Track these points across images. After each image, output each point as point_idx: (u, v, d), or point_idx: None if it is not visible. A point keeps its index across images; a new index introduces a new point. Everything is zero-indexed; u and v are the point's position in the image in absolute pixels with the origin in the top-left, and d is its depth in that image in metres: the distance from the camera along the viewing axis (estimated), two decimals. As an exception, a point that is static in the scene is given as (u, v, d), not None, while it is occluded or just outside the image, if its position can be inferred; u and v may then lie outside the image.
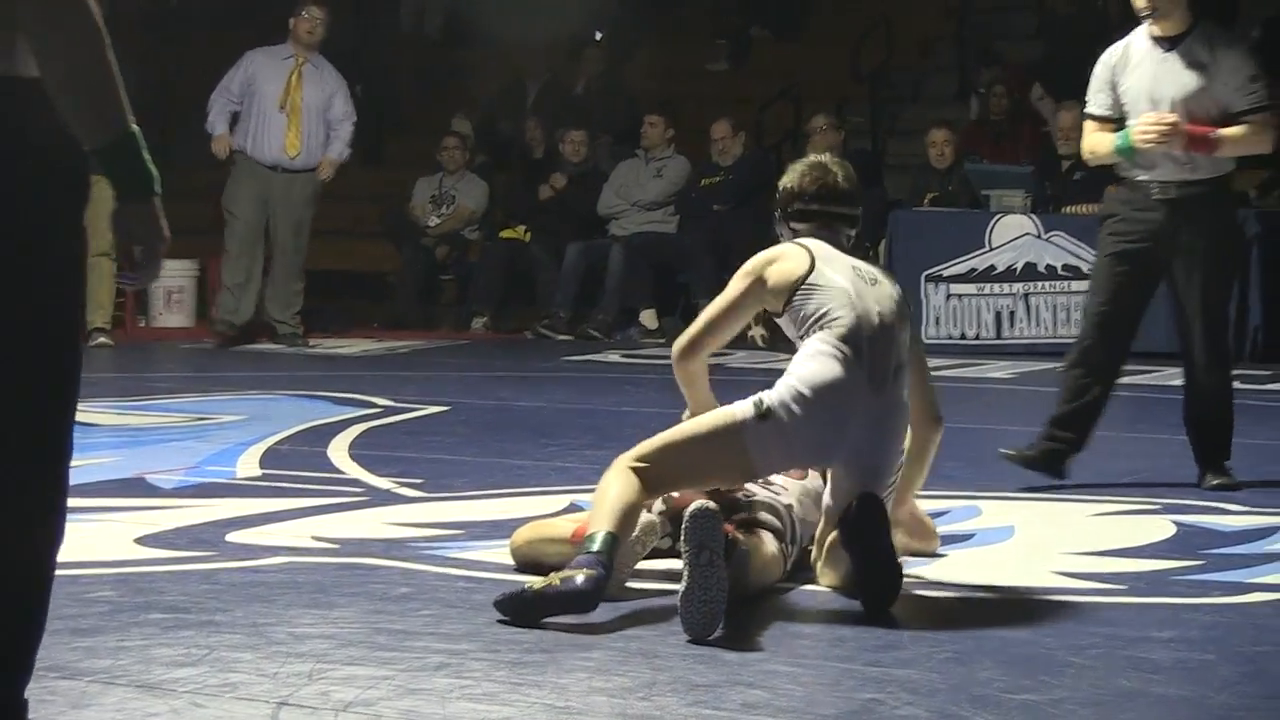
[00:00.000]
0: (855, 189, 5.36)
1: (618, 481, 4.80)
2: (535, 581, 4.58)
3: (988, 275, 11.88)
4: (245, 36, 12.51)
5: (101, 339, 12.31)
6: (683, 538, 4.42)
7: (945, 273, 11.91)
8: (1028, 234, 11.83)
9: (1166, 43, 6.80)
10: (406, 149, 16.36)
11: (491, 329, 13.75)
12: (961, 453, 7.13)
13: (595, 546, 4.58)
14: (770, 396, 4.95)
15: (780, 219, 5.40)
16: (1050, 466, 6.89)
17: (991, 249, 11.87)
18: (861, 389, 4.93)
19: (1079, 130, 11.68)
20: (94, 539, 5.48)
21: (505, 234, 14.07)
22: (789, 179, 5.37)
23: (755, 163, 13.67)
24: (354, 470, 7.13)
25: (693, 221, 13.32)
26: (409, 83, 17.60)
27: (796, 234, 5.31)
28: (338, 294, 12.90)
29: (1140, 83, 6.78)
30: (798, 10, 17.24)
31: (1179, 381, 7.22)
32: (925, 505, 5.60)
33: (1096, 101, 6.94)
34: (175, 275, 13.68)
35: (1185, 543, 5.80)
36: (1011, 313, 11.85)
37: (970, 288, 11.91)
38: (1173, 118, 6.64)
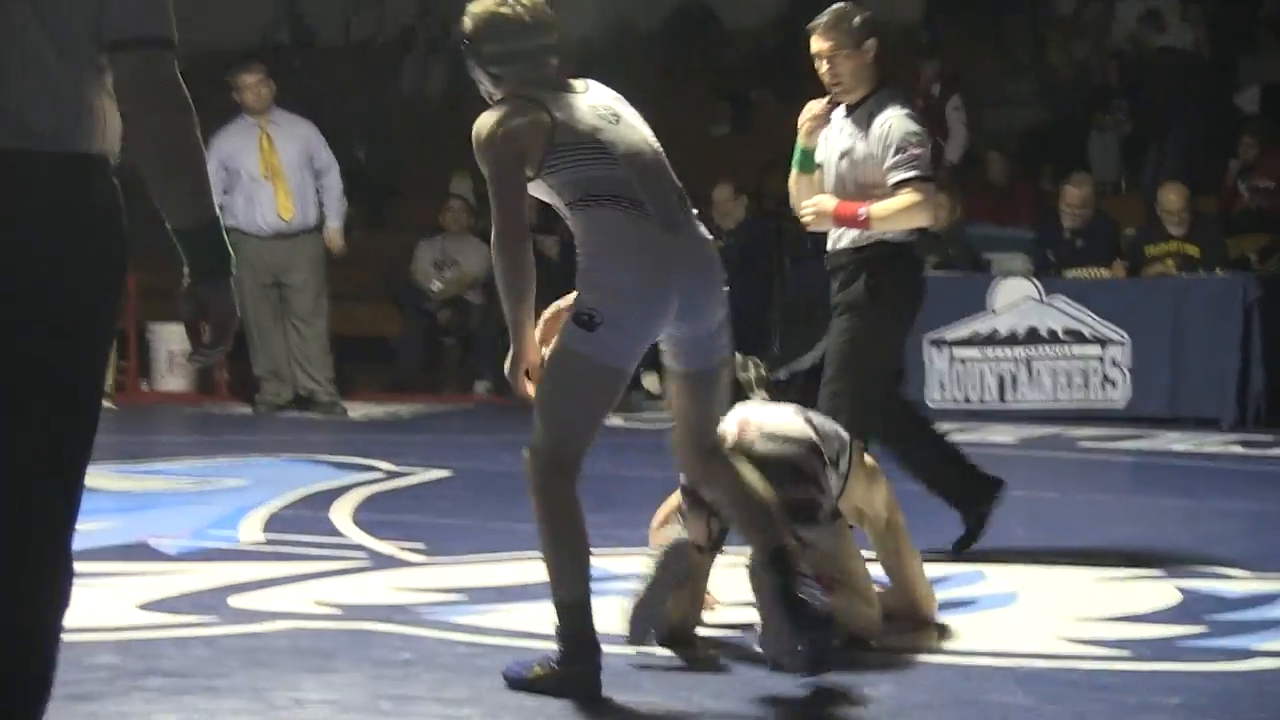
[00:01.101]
0: (542, 11, 4.93)
1: (559, 528, 4.65)
2: (538, 668, 4.57)
3: (990, 339, 11.87)
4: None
5: (104, 402, 12.29)
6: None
7: (948, 336, 11.91)
8: (1029, 298, 11.84)
9: (846, 110, 6.68)
10: (408, 212, 16.39)
11: (494, 393, 13.73)
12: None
13: (576, 631, 4.57)
14: (585, 300, 4.72)
15: (475, 66, 4.93)
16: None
17: (993, 313, 11.87)
18: (663, 239, 4.76)
19: (1084, 204, 11.72)
20: (96, 604, 5.47)
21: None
22: (469, 23, 4.91)
23: (757, 227, 13.69)
24: (357, 535, 7.13)
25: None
26: (411, 146, 17.66)
27: (497, 80, 4.89)
28: (340, 358, 12.89)
29: (826, 150, 6.67)
30: (800, 73, 17.28)
31: (1180, 446, 7.21)
32: (925, 569, 5.58)
33: (819, 153, 6.77)
34: (177, 339, 13.67)
35: (1189, 608, 5.78)
36: (1014, 377, 11.85)
37: (973, 351, 11.90)
38: (813, 205, 6.48)
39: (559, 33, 4.97)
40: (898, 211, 6.44)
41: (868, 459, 5.45)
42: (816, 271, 12.80)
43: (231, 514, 7.62)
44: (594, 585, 4.62)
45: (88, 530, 7.01)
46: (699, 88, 17.90)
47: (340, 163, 12.54)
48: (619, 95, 5.01)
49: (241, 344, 12.63)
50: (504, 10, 4.89)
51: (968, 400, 11.89)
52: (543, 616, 4.80)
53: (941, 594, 5.63)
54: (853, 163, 6.54)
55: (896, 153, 6.44)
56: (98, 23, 3.33)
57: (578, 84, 4.92)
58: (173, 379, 13.67)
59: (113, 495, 8.20)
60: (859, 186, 6.51)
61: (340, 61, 18.66)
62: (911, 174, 6.42)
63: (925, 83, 15.20)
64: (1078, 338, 11.70)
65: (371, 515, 7.60)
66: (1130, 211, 13.77)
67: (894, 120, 6.49)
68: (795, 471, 5.06)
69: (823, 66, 6.63)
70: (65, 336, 3.31)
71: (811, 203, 6.57)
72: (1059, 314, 11.76)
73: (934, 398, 11.86)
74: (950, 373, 11.92)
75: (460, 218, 14.44)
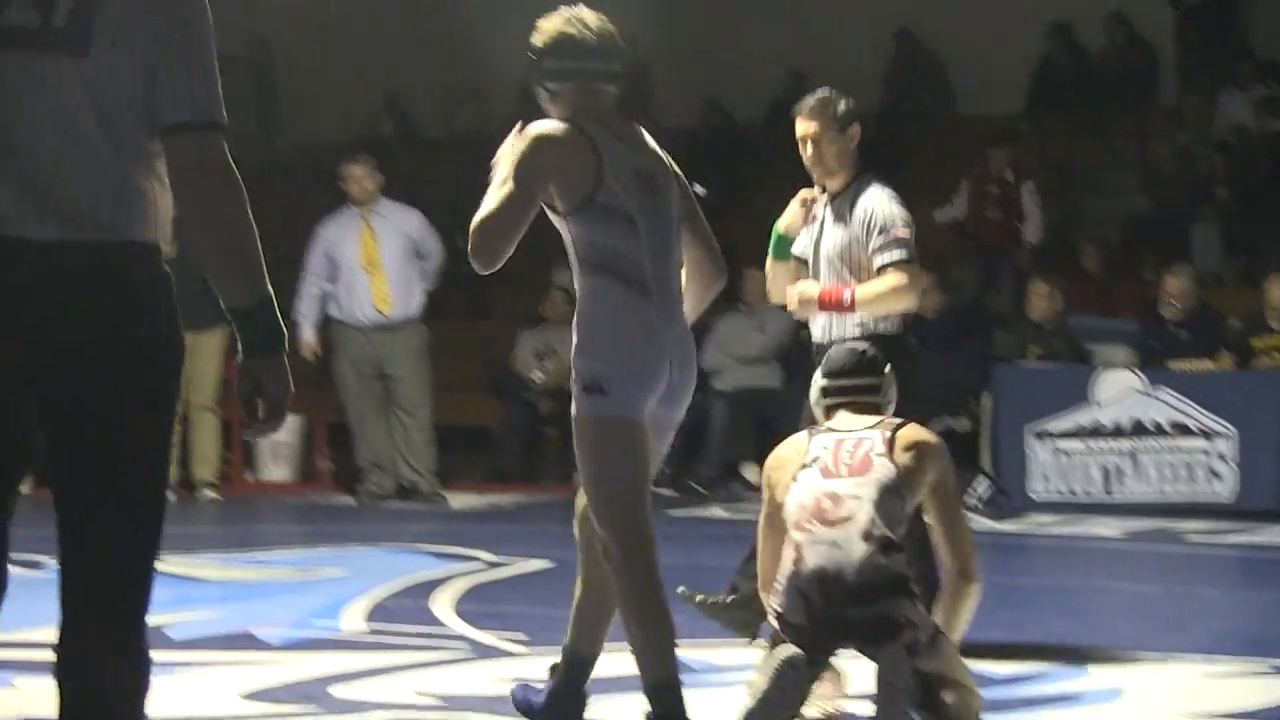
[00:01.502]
0: (612, 39, 5.05)
1: (641, 606, 4.78)
2: None
3: (1094, 431, 11.78)
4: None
5: (208, 493, 12.40)
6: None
7: (1051, 428, 11.82)
8: (1134, 390, 11.74)
9: (829, 196, 6.65)
10: (509, 302, 16.46)
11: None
12: (1067, 610, 7.05)
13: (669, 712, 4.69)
14: (590, 370, 4.83)
15: (536, 80, 5.06)
16: (735, 623, 6.46)
17: (1097, 405, 11.78)
18: (658, 328, 4.90)
19: (1186, 296, 11.60)
20: (200, 693, 5.49)
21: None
22: (536, 37, 5.04)
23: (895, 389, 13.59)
24: (458, 625, 7.13)
25: (797, 375, 13.27)
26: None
27: (554, 95, 5.02)
28: (440, 447, 12.93)
29: (811, 235, 6.65)
30: (894, 163, 17.30)
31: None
32: (1024, 666, 5.53)
33: (798, 244, 6.77)
34: (281, 430, 13.74)
35: (1299, 705, 5.70)
36: (1119, 469, 11.75)
37: (1077, 444, 11.81)
38: (798, 291, 6.43)
39: (624, 62, 5.08)
40: (883, 294, 6.41)
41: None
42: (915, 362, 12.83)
43: (334, 604, 7.64)
44: (698, 678, 4.61)
45: (191, 619, 7.05)
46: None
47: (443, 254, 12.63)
48: (663, 155, 5.13)
49: (345, 434, 12.70)
50: (569, 29, 5.02)
51: (1072, 493, 11.79)
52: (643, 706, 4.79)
53: (1044, 689, 5.57)
54: (837, 247, 6.51)
55: (881, 235, 6.43)
56: (149, 106, 3.42)
57: (631, 131, 5.03)
58: (276, 469, 13.74)
59: (216, 584, 8.25)
60: (844, 271, 6.47)
61: (442, 153, 18.81)
62: (896, 256, 6.40)
63: (996, 168, 15.15)
64: (1183, 430, 11.60)
65: (473, 605, 7.60)
66: (1234, 303, 13.66)
67: (877, 204, 6.49)
68: (903, 624, 4.93)
69: (807, 150, 6.63)
70: (125, 416, 3.39)
71: (796, 289, 6.55)
72: (1164, 406, 11.66)
73: (1037, 490, 11.77)
74: (1054, 465, 11.83)
75: (561, 308, 14.49)
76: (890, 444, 5.02)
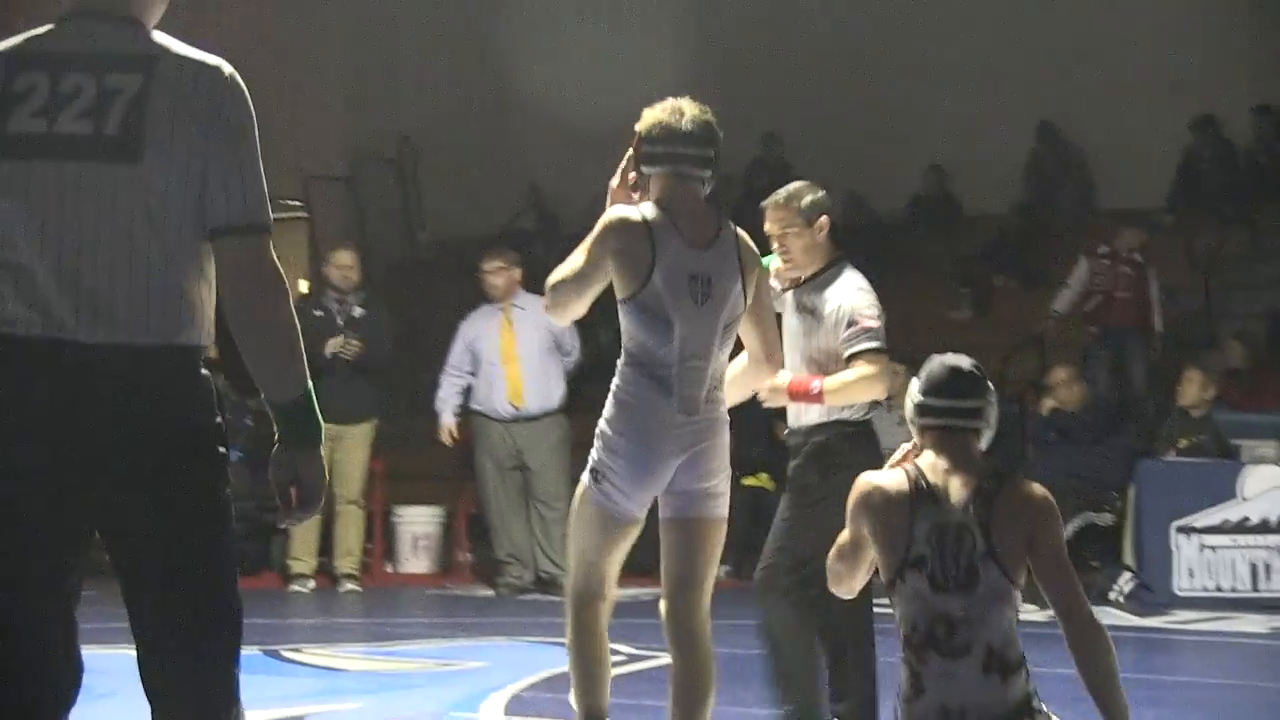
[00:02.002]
0: (705, 129, 5.44)
1: (577, 646, 5.58)
2: None
3: (1241, 527, 11.63)
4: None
5: (350, 585, 12.48)
6: None
7: (1197, 523, 11.68)
8: (1282, 485, 11.60)
9: (798, 284, 6.57)
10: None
11: (734, 576, 13.70)
12: (1213, 709, 6.94)
13: None
14: (597, 455, 5.39)
15: (634, 161, 5.51)
16: None
17: (1244, 500, 11.63)
18: (672, 423, 5.30)
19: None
20: (340, 784, 5.51)
21: (748, 481, 14.07)
22: (639, 124, 5.50)
23: (998, 413, 13.54)
24: (596, 718, 7.10)
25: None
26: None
27: (648, 180, 5.44)
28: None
29: (783, 326, 6.62)
30: (1041, 258, 17.23)
31: None
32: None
33: None
34: (421, 521, 13.84)
35: None
36: (1267, 565, 11.58)
37: (1224, 539, 11.66)
38: (766, 385, 6.26)
39: (716, 149, 5.46)
40: (851, 384, 6.33)
41: None
42: (1059, 456, 12.74)
43: (473, 696, 7.66)
44: None
45: (333, 710, 7.09)
46: (940, 272, 17.88)
47: (583, 346, 12.68)
48: (740, 252, 5.42)
49: (484, 526, 12.76)
50: (663, 115, 5.49)
51: (1218, 588, 11.63)
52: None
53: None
54: (806, 338, 6.45)
55: (849, 325, 6.36)
56: (198, 210, 3.52)
57: (704, 229, 5.37)
58: (416, 561, 13.80)
59: (357, 675, 8.29)
60: (813, 361, 6.40)
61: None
62: (865, 346, 6.32)
63: (1122, 244, 14.97)
64: (1332, 526, 11.43)
65: (613, 699, 7.59)
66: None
67: (846, 294, 6.41)
68: None
69: (774, 245, 6.58)
70: (174, 511, 3.53)
71: (767, 382, 6.53)
72: (1312, 501, 11.51)
73: (1182, 586, 11.62)
74: (1199, 560, 11.67)
75: (700, 405, 14.51)
76: (987, 532, 4.65)
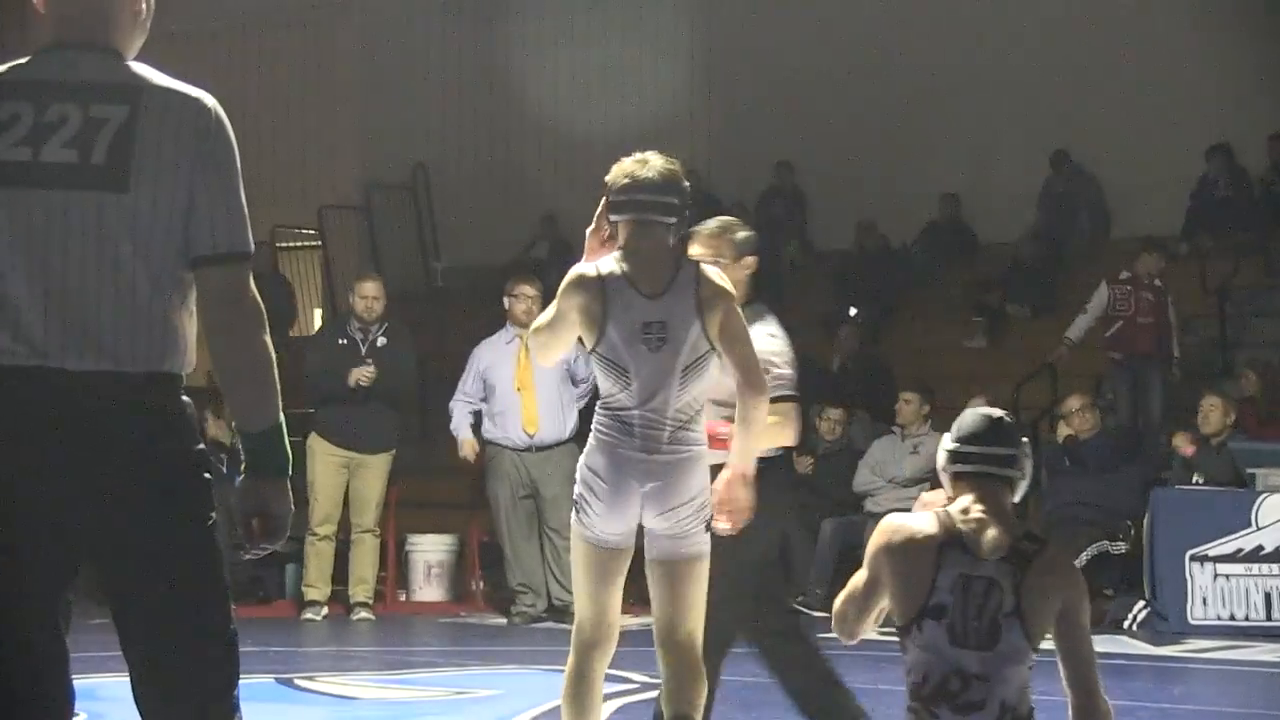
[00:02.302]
0: (669, 177, 5.64)
1: (569, 693, 5.83)
2: None
3: (1256, 555, 11.61)
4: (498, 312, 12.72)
5: (363, 613, 12.48)
6: None
7: (1211, 552, 11.66)
8: (1296, 514, 11.57)
9: None
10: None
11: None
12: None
13: None
14: (575, 491, 5.67)
15: (604, 212, 5.76)
16: None
17: (1259, 528, 11.61)
18: (634, 459, 5.54)
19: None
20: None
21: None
22: (609, 176, 5.75)
23: (1032, 464, 13.44)
24: (609, 747, 7.11)
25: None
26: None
27: (614, 225, 5.70)
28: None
29: None
30: (1055, 287, 17.22)
31: None
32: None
33: None
34: (435, 550, 13.84)
35: None
36: (1281, 594, 11.55)
37: (1238, 568, 11.64)
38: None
39: (681, 198, 5.66)
40: (762, 430, 6.12)
41: None
42: (1073, 484, 12.72)
43: (486, 724, 7.65)
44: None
45: (345, 738, 7.08)
46: (953, 301, 17.88)
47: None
48: (699, 293, 5.56)
49: (497, 555, 12.75)
50: (629, 166, 5.72)
51: (1232, 618, 11.60)
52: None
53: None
54: (715, 387, 6.35)
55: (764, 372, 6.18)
56: (184, 238, 3.57)
57: (658, 277, 5.56)
58: (430, 589, 13.80)
59: (371, 704, 8.29)
60: (720, 404, 6.16)
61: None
62: (776, 393, 6.17)
63: (1142, 269, 14.93)
64: (1347, 555, 11.40)
65: (624, 727, 7.58)
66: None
67: (758, 339, 6.15)
68: None
69: None
70: (161, 534, 3.57)
71: None
72: (1328, 530, 11.48)
73: (1196, 615, 11.59)
74: (1213, 589, 11.65)
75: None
76: (1018, 592, 4.56)
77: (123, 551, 3.56)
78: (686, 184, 5.71)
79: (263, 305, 3.67)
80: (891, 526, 4.65)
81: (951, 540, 4.56)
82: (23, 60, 3.71)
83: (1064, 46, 18.40)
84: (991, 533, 4.56)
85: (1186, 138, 17.35)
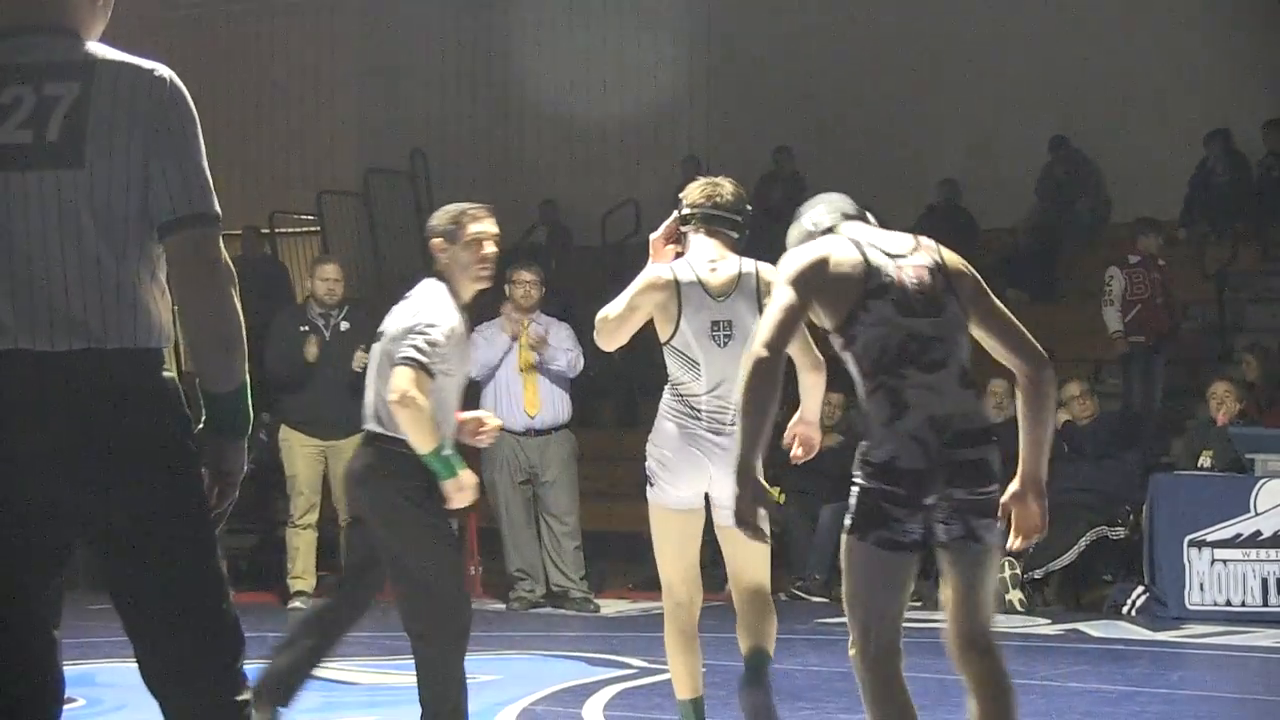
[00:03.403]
0: (738, 199, 6.56)
1: (672, 646, 6.63)
2: None
3: (1254, 541, 11.61)
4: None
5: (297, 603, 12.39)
6: None
7: (1209, 538, 11.66)
8: (1296, 499, 11.57)
9: None
10: (654, 410, 16.48)
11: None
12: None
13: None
14: (646, 465, 6.45)
15: (677, 223, 6.56)
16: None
17: (1257, 514, 11.61)
18: (702, 437, 6.36)
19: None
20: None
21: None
22: (684, 194, 6.58)
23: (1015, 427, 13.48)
24: (608, 732, 7.11)
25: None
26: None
27: (685, 236, 6.51)
28: (592, 554, 12.96)
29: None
30: (1054, 273, 17.22)
31: None
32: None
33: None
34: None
35: None
36: (1279, 580, 11.55)
37: (1236, 553, 11.64)
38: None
39: (745, 217, 6.58)
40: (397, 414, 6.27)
41: None
42: (1072, 470, 12.72)
43: (485, 710, 7.66)
44: None
45: (344, 723, 7.08)
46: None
47: (594, 361, 12.67)
48: (760, 289, 6.33)
49: (496, 541, 12.76)
50: (707, 187, 6.60)
51: (1229, 603, 11.61)
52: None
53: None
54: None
55: (394, 341, 6.37)
56: (145, 209, 3.56)
57: (725, 281, 6.38)
58: (429, 574, 13.76)
59: (367, 689, 8.29)
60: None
61: (595, 261, 18.96)
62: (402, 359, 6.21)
63: (1146, 249, 14.93)
64: (1346, 541, 11.40)
65: (624, 712, 7.59)
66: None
67: (407, 309, 6.52)
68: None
69: (486, 249, 6.60)
70: (149, 512, 3.58)
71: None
72: (1327, 515, 11.48)
73: (1194, 600, 11.60)
74: (1211, 575, 11.66)
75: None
76: (944, 272, 5.00)
77: (114, 533, 3.56)
78: (750, 207, 6.64)
79: (233, 268, 3.67)
80: (807, 248, 5.09)
81: (868, 245, 5.08)
82: None
83: (1062, 32, 18.38)
84: (893, 238, 5.14)
85: (1185, 123, 17.35)
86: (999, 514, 4.91)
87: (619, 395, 16.19)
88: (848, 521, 4.83)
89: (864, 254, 4.96)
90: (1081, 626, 11.22)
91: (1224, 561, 11.65)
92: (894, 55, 18.93)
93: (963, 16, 18.73)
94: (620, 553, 14.50)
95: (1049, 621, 11.52)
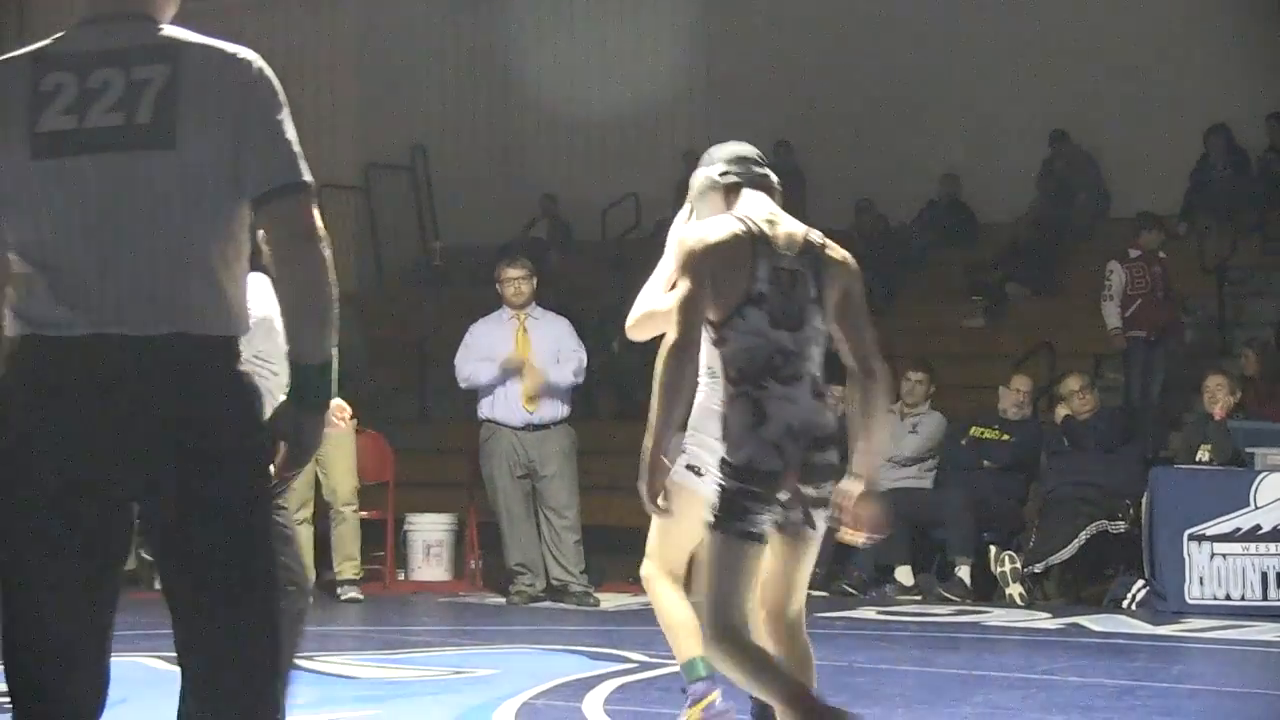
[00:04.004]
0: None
1: (672, 608, 6.26)
2: None
3: (1253, 535, 11.61)
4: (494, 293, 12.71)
5: (351, 592, 12.45)
6: None
7: (1208, 532, 11.66)
8: (1295, 493, 11.57)
9: None
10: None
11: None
12: (1226, 717, 6.93)
13: (703, 671, 6.12)
14: (696, 459, 5.88)
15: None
16: None
17: (1257, 508, 11.61)
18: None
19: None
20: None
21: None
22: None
23: (1038, 429, 13.40)
24: (608, 726, 7.12)
25: (953, 475, 13.18)
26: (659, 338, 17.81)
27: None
28: (593, 548, 12.95)
29: None
30: (1054, 267, 17.21)
31: None
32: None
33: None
34: (433, 529, 13.85)
35: None
36: (1278, 574, 11.55)
37: (1235, 547, 11.64)
38: None
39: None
40: None
41: None
42: (1072, 464, 12.71)
43: (484, 704, 7.66)
44: None
45: (345, 717, 7.09)
46: (952, 280, 17.87)
47: (595, 355, 12.67)
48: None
49: (496, 535, 12.76)
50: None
51: (1229, 597, 11.60)
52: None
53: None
54: None
55: None
56: (236, 187, 3.57)
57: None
58: (428, 569, 13.81)
59: (367, 683, 8.29)
60: None
61: (596, 255, 18.97)
62: None
63: (1147, 244, 14.90)
64: (1346, 534, 11.40)
65: (623, 706, 7.59)
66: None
67: None
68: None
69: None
70: (224, 499, 3.56)
71: None
72: (1327, 509, 11.48)
73: (1194, 594, 11.59)
74: (1210, 569, 11.65)
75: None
76: (818, 281, 5.33)
77: (184, 532, 3.53)
78: None
79: (325, 237, 3.66)
80: (701, 234, 5.28)
81: (758, 236, 5.29)
82: (60, 35, 3.71)
83: (1063, 25, 18.38)
84: (786, 230, 5.34)
85: (1186, 117, 17.35)
86: (843, 511, 5.39)
87: (619, 387, 16.17)
88: (709, 517, 5.21)
89: (754, 252, 5.26)
90: (1082, 620, 11.22)
91: (1224, 555, 11.65)
92: (895, 49, 18.93)
93: (963, 11, 18.74)
94: (620, 546, 14.50)
95: (1049, 615, 11.52)
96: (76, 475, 3.51)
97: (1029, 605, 11.98)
